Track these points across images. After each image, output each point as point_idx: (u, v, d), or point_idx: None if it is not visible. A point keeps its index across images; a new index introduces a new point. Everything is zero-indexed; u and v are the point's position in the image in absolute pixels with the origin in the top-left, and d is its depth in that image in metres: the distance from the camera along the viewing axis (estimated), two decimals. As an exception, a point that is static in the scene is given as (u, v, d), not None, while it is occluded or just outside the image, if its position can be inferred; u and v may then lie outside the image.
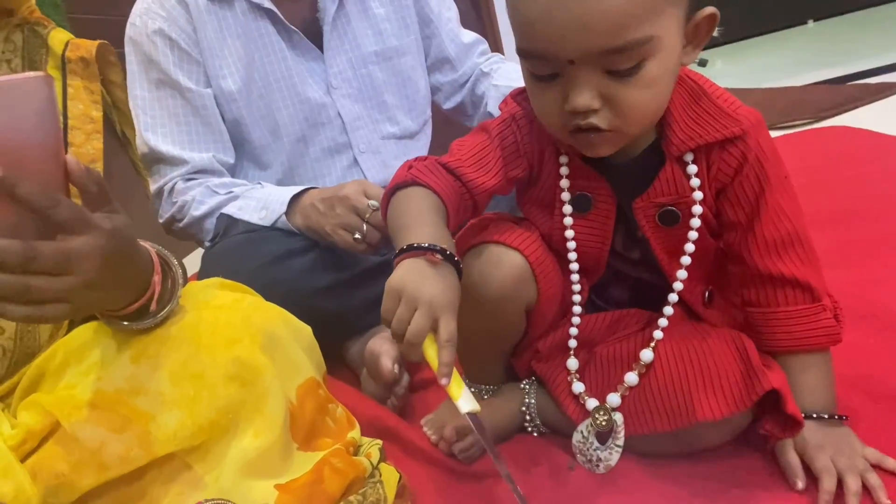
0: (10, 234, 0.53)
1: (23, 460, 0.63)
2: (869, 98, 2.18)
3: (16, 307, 0.54)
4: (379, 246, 1.06)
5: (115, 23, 1.23)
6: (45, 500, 0.62)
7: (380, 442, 0.85)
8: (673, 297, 0.78)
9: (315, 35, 1.24)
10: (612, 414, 0.77)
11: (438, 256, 0.67)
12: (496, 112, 0.90)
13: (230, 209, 1.16)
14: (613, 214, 0.78)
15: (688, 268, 0.77)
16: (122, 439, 0.65)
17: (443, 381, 0.64)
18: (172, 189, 1.20)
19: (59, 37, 1.09)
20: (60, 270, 0.55)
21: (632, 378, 0.77)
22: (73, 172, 0.57)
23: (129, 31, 1.21)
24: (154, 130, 1.19)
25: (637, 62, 0.62)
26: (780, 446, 0.74)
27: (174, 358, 0.69)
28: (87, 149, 1.07)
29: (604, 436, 0.78)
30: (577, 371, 0.82)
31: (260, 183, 1.23)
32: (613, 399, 0.78)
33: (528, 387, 0.88)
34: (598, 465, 0.79)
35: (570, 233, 0.80)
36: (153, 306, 0.69)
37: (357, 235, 1.04)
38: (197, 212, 1.18)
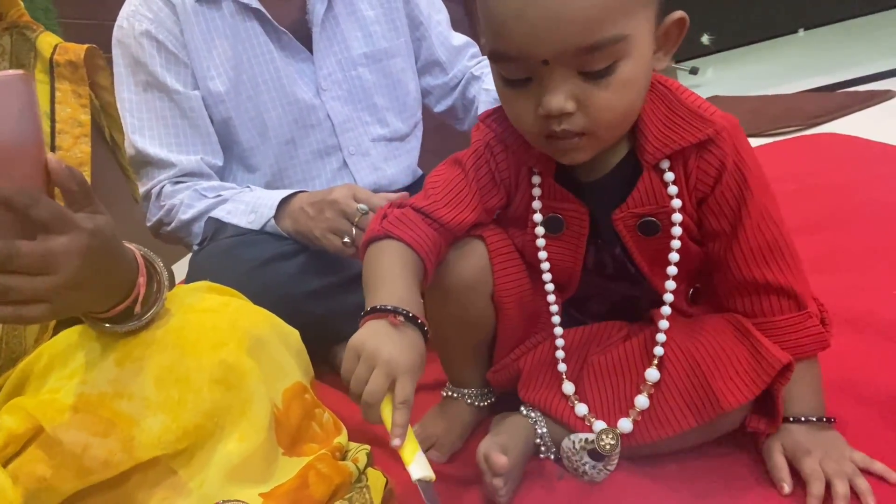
0: None
1: (5, 464, 0.63)
2: (858, 105, 2.21)
3: None
4: (368, 250, 1.05)
5: (107, 27, 1.22)
6: (26, 505, 0.61)
7: (367, 447, 0.84)
8: (666, 310, 0.77)
9: (304, 36, 1.23)
10: (618, 438, 0.76)
11: (401, 318, 0.67)
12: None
13: (218, 213, 1.15)
14: (586, 234, 0.78)
15: (675, 277, 0.76)
16: (106, 443, 0.64)
17: (395, 443, 0.64)
18: (160, 192, 1.19)
19: (47, 40, 1.08)
20: (40, 270, 0.55)
21: (642, 401, 0.76)
22: (54, 171, 0.57)
23: (116, 33, 1.20)
24: (142, 133, 1.18)
25: (610, 62, 0.62)
26: (768, 449, 0.73)
27: (159, 361, 0.69)
28: (74, 152, 1.07)
29: (598, 456, 0.76)
30: (574, 394, 0.82)
31: (249, 186, 1.22)
32: (625, 425, 0.76)
33: (533, 415, 0.84)
34: (581, 476, 0.78)
35: (543, 254, 0.80)
36: (137, 308, 0.68)
37: (346, 239, 1.03)
38: (185, 215, 1.17)
